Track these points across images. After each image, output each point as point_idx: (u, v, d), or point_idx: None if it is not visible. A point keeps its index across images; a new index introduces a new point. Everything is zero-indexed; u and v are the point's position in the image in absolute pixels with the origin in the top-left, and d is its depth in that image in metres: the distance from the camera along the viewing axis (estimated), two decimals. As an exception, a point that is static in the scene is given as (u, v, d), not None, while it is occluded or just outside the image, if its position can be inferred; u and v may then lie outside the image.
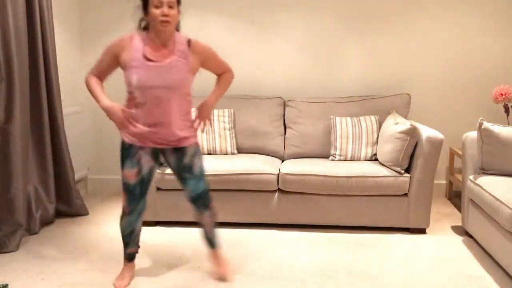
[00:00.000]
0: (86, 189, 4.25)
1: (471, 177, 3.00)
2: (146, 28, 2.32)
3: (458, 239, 3.08)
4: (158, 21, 2.17)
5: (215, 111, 3.72)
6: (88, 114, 4.24)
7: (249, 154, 3.64)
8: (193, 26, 4.05)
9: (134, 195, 2.37)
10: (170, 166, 2.44)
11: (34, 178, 3.30)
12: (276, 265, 2.70)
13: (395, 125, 3.20)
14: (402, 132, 3.09)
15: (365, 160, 3.47)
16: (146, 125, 2.29)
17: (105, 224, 3.41)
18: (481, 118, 2.94)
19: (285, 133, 3.74)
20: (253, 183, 3.20)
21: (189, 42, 2.33)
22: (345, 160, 3.49)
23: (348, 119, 3.57)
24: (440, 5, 3.87)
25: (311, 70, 4.01)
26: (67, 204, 3.53)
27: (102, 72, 2.39)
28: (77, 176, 3.86)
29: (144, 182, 2.38)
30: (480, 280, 2.52)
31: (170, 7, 2.17)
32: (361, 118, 3.57)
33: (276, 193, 3.25)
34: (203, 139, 3.65)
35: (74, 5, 4.06)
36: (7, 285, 2.45)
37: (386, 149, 3.22)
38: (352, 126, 3.52)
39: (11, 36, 2.92)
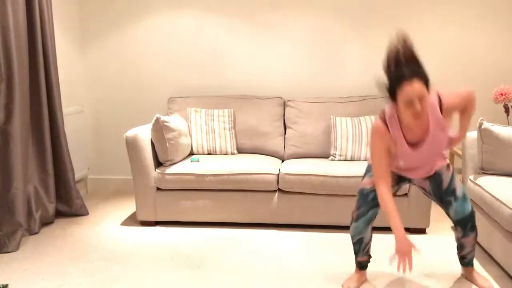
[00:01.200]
0: (86, 189, 4.25)
1: (471, 177, 3.00)
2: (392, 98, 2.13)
3: (458, 239, 3.08)
4: (410, 116, 2.04)
5: (215, 111, 3.72)
6: (88, 114, 4.24)
7: (249, 154, 3.64)
8: (193, 26, 4.06)
9: (367, 201, 2.32)
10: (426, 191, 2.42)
11: (34, 178, 3.30)
12: (276, 265, 2.70)
13: (395, 125, 3.20)
14: (402, 132, 3.09)
15: (365, 160, 3.47)
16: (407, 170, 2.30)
17: (105, 224, 3.41)
18: (481, 118, 2.94)
19: (285, 133, 3.74)
20: (253, 183, 3.20)
21: (440, 105, 2.15)
22: (345, 160, 3.49)
23: (348, 119, 3.57)
24: (440, 5, 3.87)
25: (311, 70, 4.01)
26: (67, 204, 3.53)
27: (387, 173, 2.21)
28: (77, 176, 3.86)
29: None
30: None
31: (421, 100, 2.01)
32: (361, 118, 3.57)
33: (276, 193, 3.25)
34: (203, 140, 3.65)
35: (74, 5, 4.06)
36: (7, 285, 2.45)
37: (386, 149, 3.22)
38: (352, 126, 3.52)
39: (11, 36, 2.92)
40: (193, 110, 3.74)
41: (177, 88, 4.12)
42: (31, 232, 3.17)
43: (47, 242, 3.07)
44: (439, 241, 3.05)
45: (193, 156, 3.55)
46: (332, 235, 3.14)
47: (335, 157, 3.51)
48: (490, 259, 2.76)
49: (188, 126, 3.70)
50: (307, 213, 3.21)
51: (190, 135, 3.68)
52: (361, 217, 2.33)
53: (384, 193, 2.16)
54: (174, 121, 3.41)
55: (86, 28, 4.15)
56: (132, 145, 3.22)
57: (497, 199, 2.56)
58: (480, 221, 2.85)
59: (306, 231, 3.22)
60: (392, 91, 2.07)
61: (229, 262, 2.75)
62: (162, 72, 4.14)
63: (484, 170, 2.95)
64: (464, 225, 2.33)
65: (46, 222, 3.35)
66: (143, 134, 3.28)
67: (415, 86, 2.00)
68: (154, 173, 3.29)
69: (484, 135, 2.89)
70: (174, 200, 3.30)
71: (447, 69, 3.94)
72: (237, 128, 3.74)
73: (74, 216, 3.54)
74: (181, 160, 3.44)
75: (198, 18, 4.03)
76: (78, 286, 2.47)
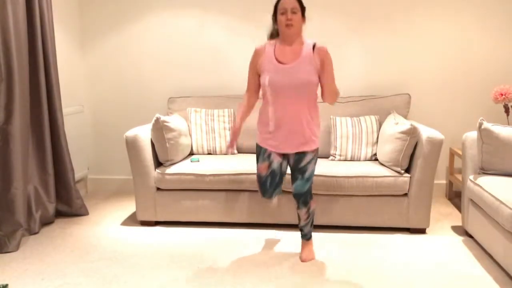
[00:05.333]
0: (86, 189, 4.25)
1: (471, 177, 3.00)
2: (273, 37, 2.66)
3: (458, 239, 3.08)
4: (283, 25, 2.50)
5: (215, 111, 3.72)
6: (88, 114, 4.24)
7: (249, 154, 3.64)
8: (193, 26, 4.06)
9: (267, 188, 2.71)
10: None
11: (34, 178, 3.30)
12: (276, 265, 2.70)
13: (395, 125, 3.20)
14: (402, 132, 3.09)
15: (365, 160, 3.47)
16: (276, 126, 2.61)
17: (105, 224, 3.41)
18: (481, 118, 2.94)
19: (285, 133, 3.74)
20: (253, 183, 3.20)
21: (314, 46, 2.57)
22: (345, 160, 3.49)
23: (348, 119, 3.57)
24: (440, 5, 3.87)
25: (311, 70, 4.01)
26: (67, 204, 3.53)
27: (253, 85, 2.72)
28: (77, 176, 3.86)
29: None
30: (480, 280, 2.52)
31: (293, 12, 2.49)
32: (361, 118, 3.57)
33: (276, 193, 3.25)
34: (203, 140, 3.65)
35: (74, 5, 4.06)
36: (7, 285, 2.45)
37: (386, 149, 3.22)
38: (352, 126, 3.52)
39: (11, 36, 2.92)
40: (193, 110, 3.74)
41: (177, 88, 4.12)
42: (31, 232, 3.17)
43: (47, 242, 3.07)
44: (439, 241, 3.05)
45: (193, 156, 3.55)
46: (332, 235, 3.14)
47: (335, 157, 3.52)
48: (490, 259, 2.76)
49: (188, 126, 3.70)
50: (307, 213, 3.21)
51: (190, 135, 3.68)
52: (269, 199, 2.84)
53: (245, 99, 2.75)
54: (174, 121, 3.41)
55: (86, 28, 4.15)
56: (132, 145, 3.22)
57: (497, 199, 2.56)
58: (480, 221, 2.85)
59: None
60: (274, 10, 2.57)
61: (229, 262, 2.75)
62: (162, 72, 4.14)
63: (484, 170, 2.95)
64: (298, 198, 2.72)
65: (46, 222, 3.35)
66: (143, 134, 3.28)
67: (291, 0, 2.49)
68: (154, 173, 3.29)
69: (484, 135, 2.89)
70: (174, 200, 3.30)
71: (447, 69, 3.94)
72: (237, 128, 3.74)
73: (74, 216, 3.54)
74: (181, 160, 3.44)
75: (198, 18, 4.02)
76: (78, 286, 2.47)
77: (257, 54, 2.62)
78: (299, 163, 2.66)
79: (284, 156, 2.70)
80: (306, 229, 2.83)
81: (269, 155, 2.66)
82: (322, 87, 2.61)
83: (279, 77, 2.51)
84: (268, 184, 2.69)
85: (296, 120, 2.57)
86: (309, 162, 2.66)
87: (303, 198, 2.70)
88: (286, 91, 2.52)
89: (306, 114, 2.59)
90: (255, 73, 2.66)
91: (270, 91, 2.54)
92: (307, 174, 2.67)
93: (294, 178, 2.71)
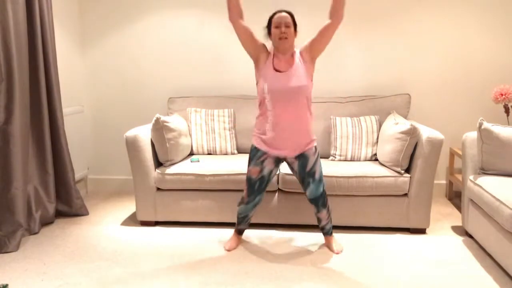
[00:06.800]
0: (86, 189, 4.25)
1: (471, 177, 3.00)
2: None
3: (458, 239, 3.08)
4: (277, 38, 2.62)
5: (215, 111, 3.72)
6: (88, 114, 4.24)
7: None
8: (193, 26, 4.06)
9: (254, 190, 2.79)
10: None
11: (34, 178, 3.30)
12: (276, 265, 2.70)
13: (395, 125, 3.20)
14: (402, 132, 3.09)
15: (365, 160, 3.47)
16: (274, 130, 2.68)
17: (105, 224, 3.41)
18: (481, 118, 2.94)
19: (285, 133, 3.74)
20: (253, 183, 3.20)
21: (300, 52, 2.71)
22: (345, 160, 3.49)
23: (348, 119, 3.57)
24: (440, 5, 3.87)
25: (311, 70, 4.01)
26: (67, 204, 3.53)
27: (245, 27, 2.67)
28: (77, 176, 3.86)
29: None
30: (480, 280, 2.52)
31: (287, 26, 2.61)
32: (361, 118, 3.57)
33: (276, 193, 3.25)
34: (203, 140, 3.65)
35: (74, 5, 4.06)
36: (7, 285, 2.45)
37: (386, 149, 3.22)
38: (352, 126, 3.52)
39: (11, 36, 2.92)
40: (193, 110, 3.74)
41: (177, 88, 4.12)
42: (31, 232, 3.17)
43: (47, 242, 3.07)
44: (439, 241, 3.05)
45: (193, 156, 3.55)
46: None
47: (335, 157, 3.52)
48: (490, 259, 2.76)
49: (188, 126, 3.70)
50: (307, 213, 3.20)
51: (190, 135, 3.68)
52: (250, 202, 2.83)
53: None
54: (174, 121, 3.41)
55: (86, 28, 4.15)
56: (132, 145, 3.22)
57: (497, 199, 2.56)
58: (480, 221, 2.85)
59: (306, 231, 3.21)
60: (269, 23, 2.68)
61: (229, 262, 2.75)
62: (162, 72, 4.14)
63: (484, 170, 2.95)
64: (316, 203, 2.80)
65: (46, 222, 3.34)
66: (143, 134, 3.28)
67: (284, 15, 2.64)
68: (154, 173, 3.29)
69: (484, 135, 2.89)
70: (174, 200, 3.30)
71: (447, 69, 3.94)
72: (237, 128, 3.74)
73: (74, 216, 3.54)
74: (181, 160, 3.44)
75: (198, 18, 4.02)
76: (78, 286, 2.47)
77: (265, 49, 2.71)
78: (304, 168, 2.73)
79: (278, 163, 2.77)
80: (328, 226, 2.92)
81: (263, 161, 2.73)
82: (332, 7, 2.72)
83: (276, 84, 2.62)
84: (256, 187, 2.77)
85: (295, 124, 2.66)
86: (314, 164, 2.73)
87: (321, 201, 2.80)
88: (284, 95, 2.62)
89: (303, 117, 2.67)
90: (253, 41, 2.68)
91: (269, 98, 2.63)
92: (317, 176, 2.75)
93: (306, 184, 2.77)
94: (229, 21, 2.64)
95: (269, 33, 2.70)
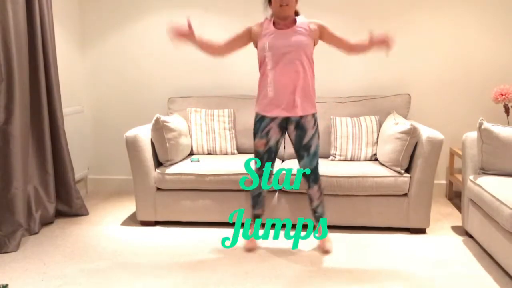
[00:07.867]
0: (86, 189, 4.25)
1: (471, 177, 3.00)
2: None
3: (458, 239, 3.08)
4: (278, 5, 2.63)
5: (215, 111, 3.72)
6: (88, 114, 4.24)
7: (249, 154, 3.64)
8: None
9: (263, 163, 2.85)
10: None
11: (34, 178, 3.30)
12: (276, 265, 2.70)
13: (395, 125, 3.20)
14: (402, 132, 3.09)
15: (365, 160, 3.47)
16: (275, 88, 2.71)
17: (105, 224, 3.41)
18: (481, 118, 2.94)
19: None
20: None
21: (308, 23, 2.73)
22: (345, 160, 3.49)
23: (348, 119, 3.57)
24: (440, 5, 3.87)
25: (311, 70, 4.01)
26: (67, 204, 3.53)
27: (231, 42, 2.84)
28: (77, 176, 3.86)
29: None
30: (480, 280, 2.52)
31: None
32: (361, 118, 3.57)
33: (276, 193, 3.25)
34: (203, 140, 3.65)
35: (74, 5, 4.06)
36: (7, 285, 2.45)
37: (386, 149, 3.22)
38: (352, 126, 3.52)
39: (11, 36, 2.92)
40: (193, 110, 3.74)
41: (177, 88, 4.12)
42: (31, 232, 3.17)
43: (47, 242, 3.07)
44: (439, 241, 3.05)
45: (193, 156, 3.55)
46: (332, 235, 3.13)
47: (335, 157, 3.52)
48: (490, 259, 2.76)
49: (188, 126, 3.70)
50: (307, 213, 3.21)
51: (190, 135, 3.68)
52: (261, 175, 2.87)
53: (216, 42, 2.87)
54: (174, 121, 3.41)
55: (86, 28, 4.15)
56: (132, 145, 3.23)
57: (497, 199, 2.56)
58: (480, 221, 2.85)
59: (306, 231, 3.21)
60: None
61: (229, 262, 2.75)
62: (162, 72, 4.14)
63: (484, 170, 2.95)
64: (308, 176, 2.83)
65: (46, 222, 3.35)
66: (143, 134, 3.28)
67: None
68: (154, 173, 3.29)
69: (484, 135, 2.89)
70: (174, 200, 3.30)
71: (447, 69, 3.94)
72: (237, 128, 3.74)
73: (74, 216, 3.54)
74: (181, 160, 3.44)
75: (198, 18, 4.02)
76: (78, 286, 2.47)
77: (255, 25, 2.78)
78: (301, 140, 2.77)
79: (282, 130, 2.80)
80: (320, 209, 2.91)
81: (268, 132, 2.76)
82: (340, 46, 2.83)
83: (277, 40, 2.65)
84: (265, 159, 2.83)
85: (296, 80, 2.67)
86: (311, 138, 2.77)
87: (313, 176, 2.82)
88: (284, 51, 2.64)
89: (305, 74, 2.69)
90: (243, 35, 2.80)
91: (270, 55, 2.66)
92: (312, 149, 2.79)
93: (300, 157, 2.82)
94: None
95: (269, 2, 2.72)
